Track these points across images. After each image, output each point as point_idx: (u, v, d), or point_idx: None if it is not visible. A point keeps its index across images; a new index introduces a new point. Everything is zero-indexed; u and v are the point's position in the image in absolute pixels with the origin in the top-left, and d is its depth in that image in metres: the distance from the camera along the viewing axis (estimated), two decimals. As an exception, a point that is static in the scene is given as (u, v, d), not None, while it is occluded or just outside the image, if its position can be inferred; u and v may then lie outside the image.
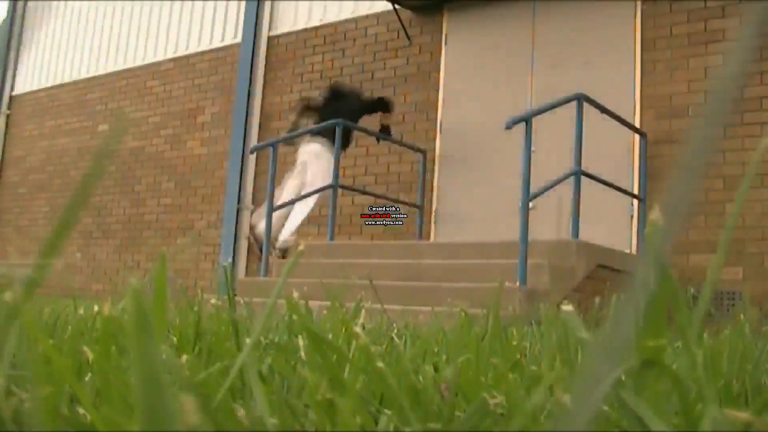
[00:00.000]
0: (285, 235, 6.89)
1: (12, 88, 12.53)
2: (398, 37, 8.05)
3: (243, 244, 8.78)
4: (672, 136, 6.21)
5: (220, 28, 9.81)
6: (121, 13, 11.12)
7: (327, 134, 6.73)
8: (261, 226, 6.65)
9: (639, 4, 6.61)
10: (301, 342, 0.92)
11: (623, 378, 0.57)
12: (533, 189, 4.98)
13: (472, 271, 4.97)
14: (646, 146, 6.27)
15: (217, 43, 9.79)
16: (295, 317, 0.98)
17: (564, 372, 0.80)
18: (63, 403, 0.61)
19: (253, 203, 8.81)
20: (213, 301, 1.29)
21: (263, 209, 6.70)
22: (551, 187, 5.23)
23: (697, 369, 0.64)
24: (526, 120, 5.08)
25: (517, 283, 4.64)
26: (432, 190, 7.54)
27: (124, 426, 0.48)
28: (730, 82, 0.36)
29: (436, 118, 7.66)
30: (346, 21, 8.53)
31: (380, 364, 0.66)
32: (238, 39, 9.38)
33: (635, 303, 0.35)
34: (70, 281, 9.88)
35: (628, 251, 6.12)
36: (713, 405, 0.55)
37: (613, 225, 6.34)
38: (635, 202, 6.23)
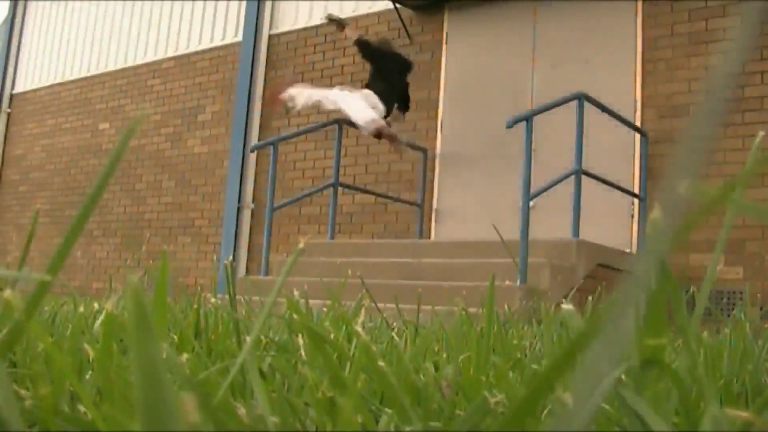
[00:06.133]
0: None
1: (12, 87, 12.53)
2: (399, 35, 8.04)
3: (243, 243, 8.78)
4: (673, 135, 6.20)
5: (221, 26, 9.81)
6: (122, 11, 11.11)
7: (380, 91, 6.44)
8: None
9: (640, 3, 6.60)
10: (301, 341, 0.92)
11: (624, 377, 0.57)
12: (534, 188, 4.98)
13: (473, 270, 4.97)
14: (647, 145, 6.27)
15: (217, 42, 9.78)
16: (295, 316, 0.98)
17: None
18: (64, 401, 0.61)
19: (253, 202, 8.81)
20: (213, 299, 1.29)
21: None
22: (551, 186, 5.23)
23: (697, 368, 0.64)
24: (527, 119, 5.08)
25: (518, 282, 4.65)
26: (432, 189, 7.54)
27: (125, 424, 0.48)
28: (727, 80, 0.36)
29: (437, 117, 7.65)
30: (347, 20, 8.52)
31: (381, 363, 0.66)
32: (239, 38, 9.38)
33: (635, 302, 0.35)
34: (70, 279, 9.88)
35: (628, 251, 6.12)
36: (713, 404, 0.55)
37: (613, 224, 6.34)
38: (636, 201, 6.23)
